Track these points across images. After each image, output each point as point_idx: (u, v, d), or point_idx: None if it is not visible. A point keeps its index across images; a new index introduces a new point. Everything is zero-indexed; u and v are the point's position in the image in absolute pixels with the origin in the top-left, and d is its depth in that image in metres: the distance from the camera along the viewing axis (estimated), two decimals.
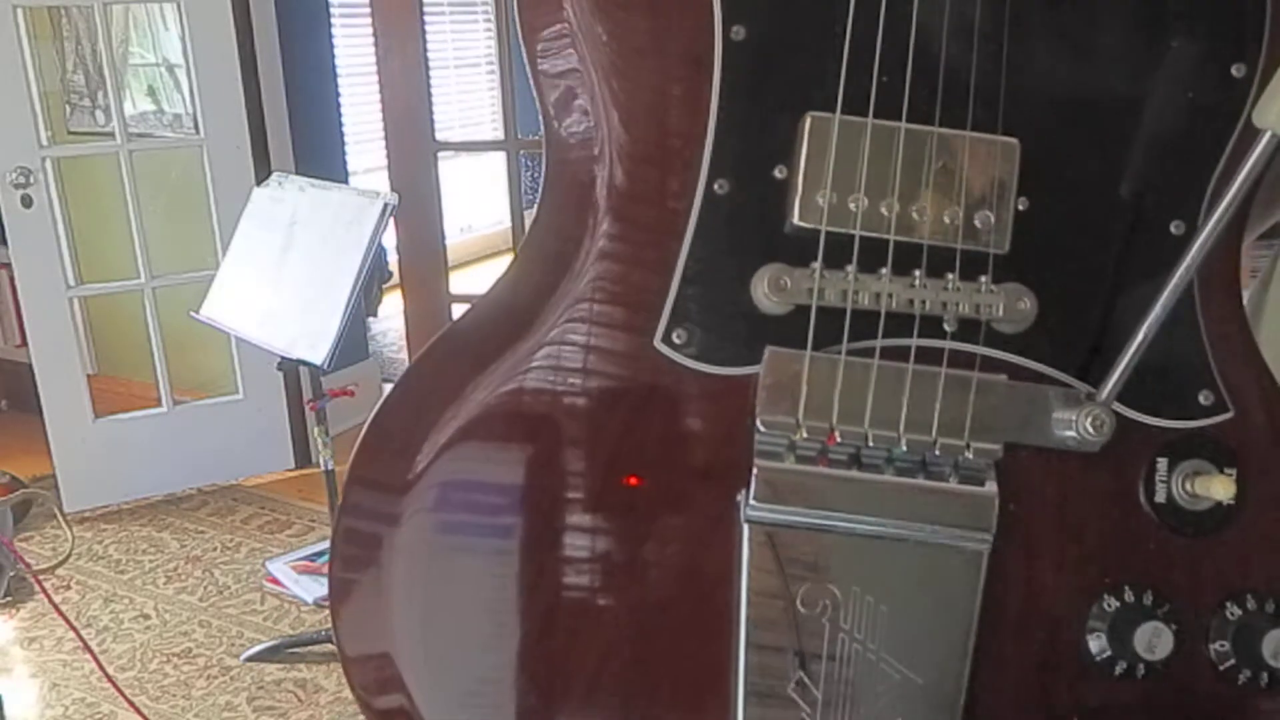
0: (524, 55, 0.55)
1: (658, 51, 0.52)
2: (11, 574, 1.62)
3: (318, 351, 2.10)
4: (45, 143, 3.08)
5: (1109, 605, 0.52)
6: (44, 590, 2.12)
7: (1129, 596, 0.52)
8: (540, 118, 0.56)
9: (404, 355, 3.76)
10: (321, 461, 2.36)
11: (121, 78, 3.32)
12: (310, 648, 2.48)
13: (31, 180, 2.96)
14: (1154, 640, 0.51)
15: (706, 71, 0.51)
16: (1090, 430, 0.49)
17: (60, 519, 2.97)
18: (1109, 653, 0.52)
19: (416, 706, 0.55)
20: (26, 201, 2.96)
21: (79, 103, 3.54)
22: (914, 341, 0.51)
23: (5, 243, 3.07)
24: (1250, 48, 0.51)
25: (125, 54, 3.38)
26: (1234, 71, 0.52)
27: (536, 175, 6.20)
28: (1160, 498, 0.50)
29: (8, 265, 3.16)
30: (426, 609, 0.56)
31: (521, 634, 0.55)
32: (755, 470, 0.51)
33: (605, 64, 0.51)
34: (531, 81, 0.55)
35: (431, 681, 0.56)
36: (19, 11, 2.91)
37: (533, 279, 0.56)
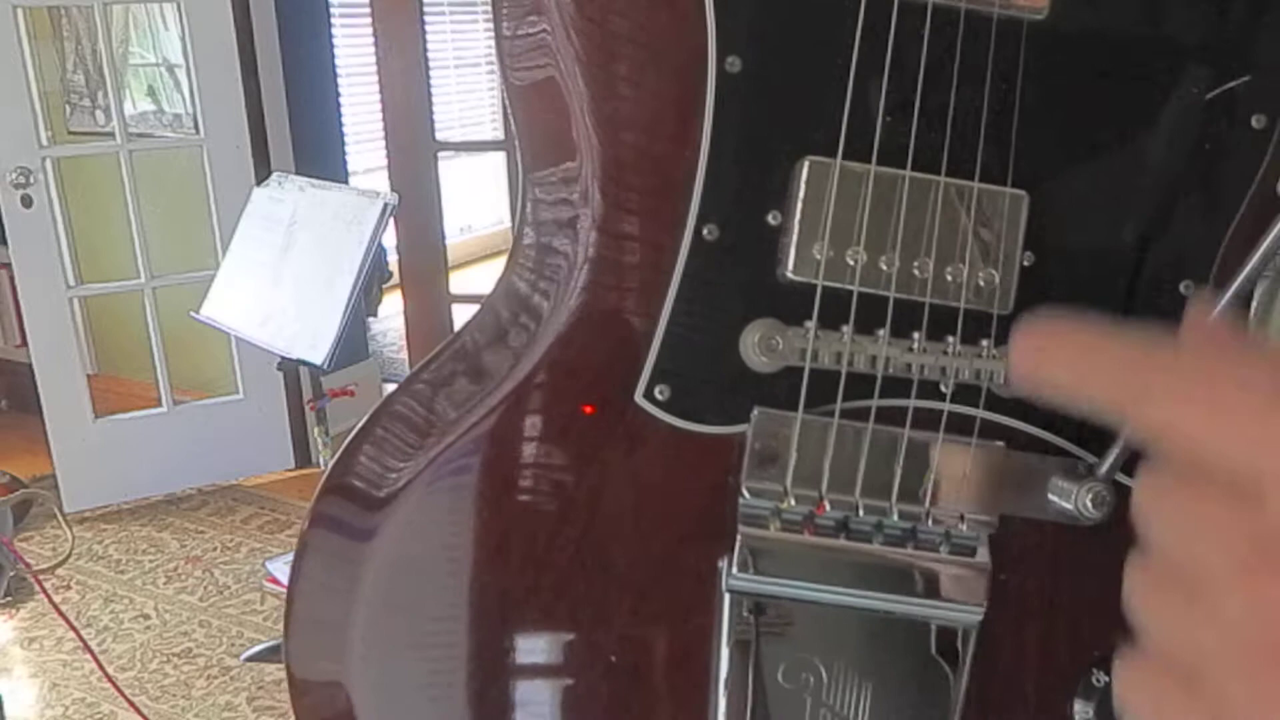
0: (501, 84, 0.51)
1: (646, 82, 0.48)
2: (11, 574, 1.61)
3: (318, 351, 2.10)
4: (45, 143, 3.08)
5: (1098, 680, 0.50)
6: (44, 590, 2.12)
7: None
8: (518, 151, 0.53)
9: (404, 355, 3.76)
10: (321, 461, 2.36)
11: (121, 78, 3.32)
12: None
13: (31, 180, 2.96)
14: None
15: (699, 105, 0.47)
16: (1090, 507, 0.46)
17: (60, 519, 2.97)
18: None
19: None
20: (26, 201, 2.96)
21: (79, 103, 3.54)
22: (910, 403, 0.48)
23: (5, 243, 3.07)
24: (1270, 98, 0.49)
25: (125, 54, 3.38)
26: (1254, 123, 0.49)
27: None
28: None
29: (8, 265, 3.16)
30: (386, 650, 0.53)
31: (481, 690, 0.53)
32: (739, 538, 0.48)
33: (589, 93, 0.47)
34: (510, 112, 0.52)
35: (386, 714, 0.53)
36: (19, 11, 2.91)
37: (508, 323, 0.53)
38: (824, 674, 0.50)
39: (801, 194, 0.48)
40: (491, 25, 0.52)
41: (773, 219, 0.48)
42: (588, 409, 0.50)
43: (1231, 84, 0.49)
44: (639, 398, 0.49)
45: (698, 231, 0.48)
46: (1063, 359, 0.29)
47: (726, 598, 0.49)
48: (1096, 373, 0.28)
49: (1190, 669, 0.27)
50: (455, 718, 0.53)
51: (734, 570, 0.48)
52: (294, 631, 0.54)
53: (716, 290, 0.49)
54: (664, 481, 0.50)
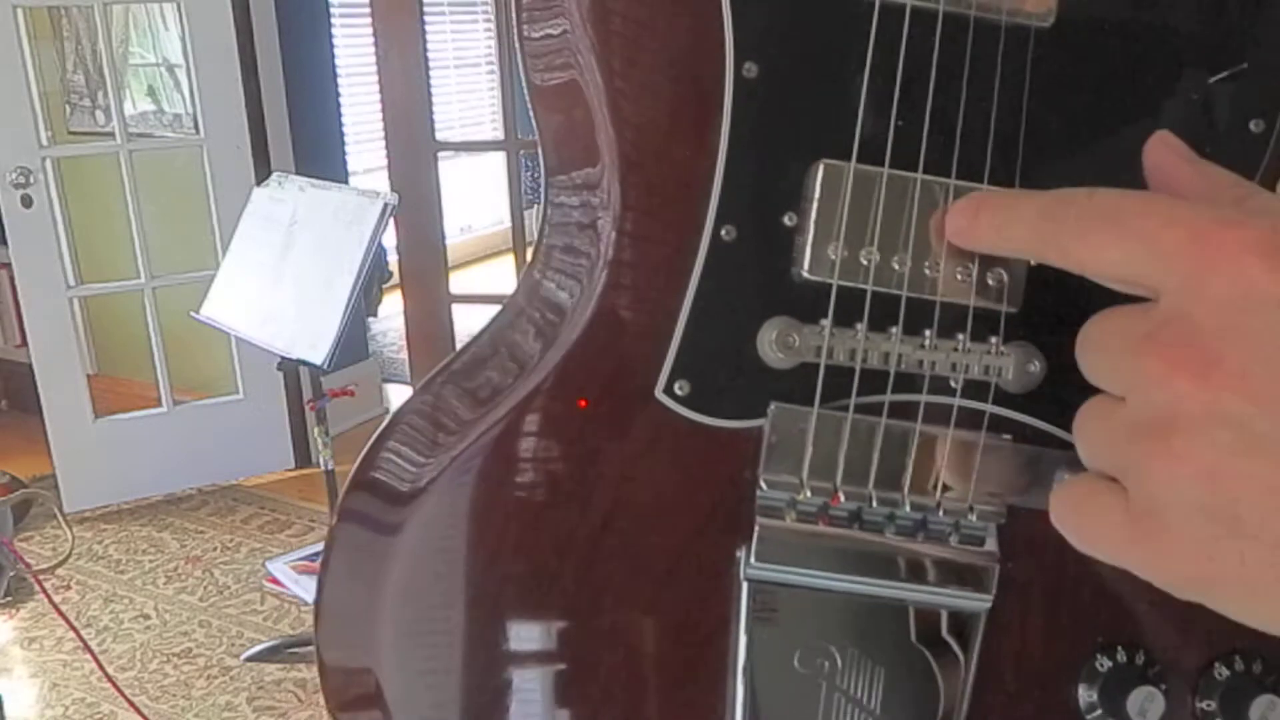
0: (524, 87, 0.53)
1: (665, 88, 0.50)
2: (11, 574, 1.62)
3: (318, 351, 2.10)
4: (45, 143, 3.08)
5: (1102, 665, 0.51)
6: (44, 590, 2.12)
7: (1121, 657, 0.51)
8: (539, 153, 0.54)
9: (404, 355, 3.76)
10: (321, 461, 2.36)
11: (121, 78, 3.32)
12: (310, 648, 2.47)
13: (31, 180, 2.96)
14: (1146, 705, 0.50)
15: (717, 109, 0.48)
16: None
17: (60, 519, 2.97)
18: (1100, 712, 0.52)
19: None
20: (26, 201, 2.96)
21: (79, 103, 3.54)
22: (922, 398, 0.50)
23: (5, 243, 3.07)
24: (1268, 103, 0.50)
25: (125, 54, 3.38)
26: (1252, 127, 0.50)
27: (537, 175, 6.19)
28: None
29: (8, 265, 3.17)
30: (416, 627, 0.54)
31: (506, 674, 0.54)
32: (757, 528, 0.50)
33: (609, 100, 0.49)
34: (531, 115, 0.53)
35: (414, 702, 0.55)
36: (19, 11, 2.91)
37: (530, 321, 0.55)
38: (838, 659, 0.52)
39: (817, 196, 0.49)
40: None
41: (789, 220, 0.50)
42: (608, 404, 0.51)
43: (1225, 74, 0.50)
44: (659, 393, 0.50)
45: (716, 233, 0.50)
46: (988, 215, 0.33)
47: (744, 586, 0.51)
48: (1018, 222, 0.33)
49: (1107, 469, 0.30)
50: (481, 702, 0.55)
51: (752, 559, 0.50)
52: (324, 621, 0.56)
53: (734, 289, 0.50)
54: (683, 474, 0.52)
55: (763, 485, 0.50)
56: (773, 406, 0.50)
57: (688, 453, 0.51)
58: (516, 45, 0.53)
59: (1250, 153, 0.50)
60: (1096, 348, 0.31)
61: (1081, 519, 0.31)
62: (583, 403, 0.52)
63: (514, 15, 0.52)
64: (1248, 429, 0.27)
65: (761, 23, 0.48)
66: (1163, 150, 0.36)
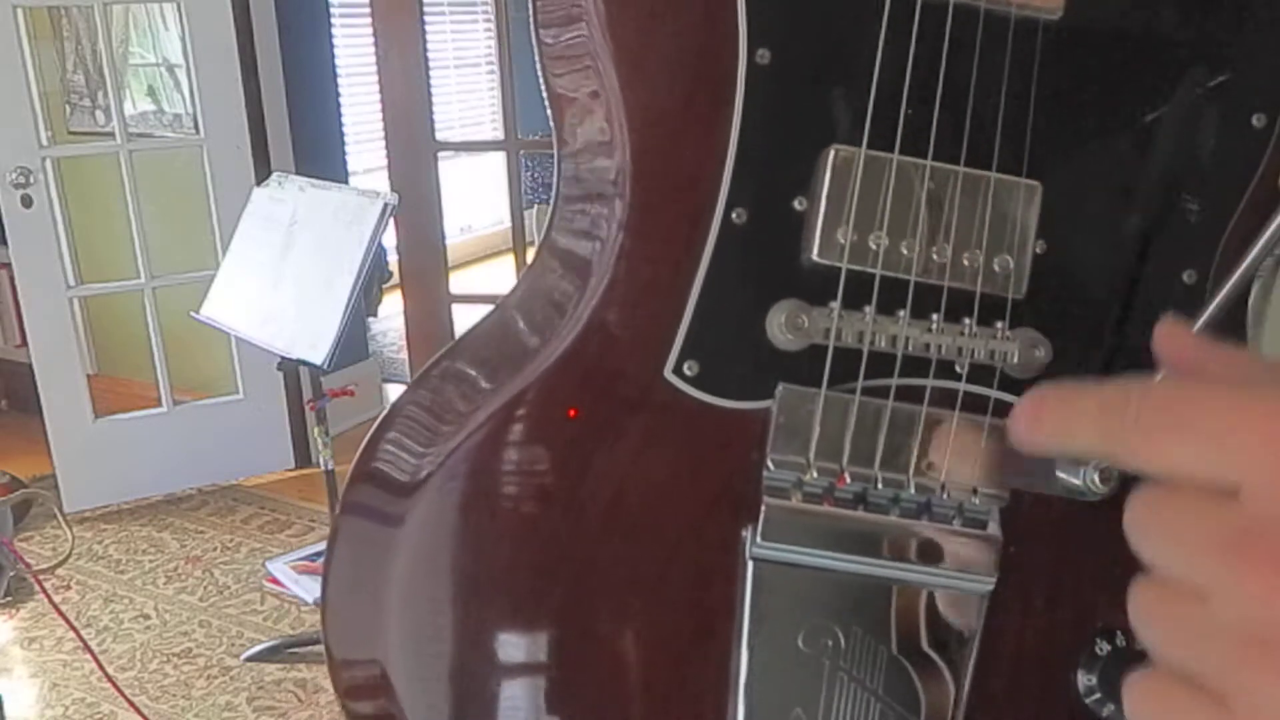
0: (539, 72, 0.53)
1: (679, 74, 0.51)
2: (11, 574, 1.62)
3: (318, 351, 2.10)
4: (45, 143, 3.08)
5: (1101, 649, 0.52)
6: (44, 590, 2.12)
7: (1121, 641, 0.52)
8: (554, 137, 0.55)
9: (404, 355, 3.76)
10: (321, 461, 2.36)
11: (121, 78, 3.32)
12: (310, 648, 2.47)
13: (31, 180, 2.96)
14: None
15: (729, 95, 0.49)
16: (1097, 483, 0.48)
17: (60, 519, 2.97)
18: (1099, 695, 0.52)
19: (404, 713, 0.55)
20: (26, 201, 2.96)
21: (79, 103, 3.54)
22: (928, 382, 0.50)
23: (5, 243, 3.07)
24: (1271, 98, 0.51)
25: (125, 54, 3.38)
26: (1254, 122, 0.51)
27: (537, 175, 6.19)
28: None
29: (8, 265, 3.17)
30: (421, 616, 0.55)
31: (512, 655, 0.55)
32: (763, 508, 0.50)
33: (623, 83, 0.50)
34: (547, 100, 0.54)
35: (421, 690, 0.55)
36: (19, 11, 2.91)
37: (543, 300, 0.55)
38: (842, 639, 0.52)
39: (827, 181, 0.50)
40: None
41: (799, 204, 0.51)
42: (616, 386, 0.52)
43: (1227, 73, 0.51)
44: (668, 373, 0.51)
45: (727, 216, 0.51)
46: (1051, 417, 0.32)
47: (750, 565, 0.51)
48: (1082, 423, 0.31)
49: (1196, 674, 0.28)
50: (490, 689, 0.55)
51: (758, 539, 0.50)
52: (330, 613, 0.56)
53: (744, 272, 0.51)
54: (690, 454, 0.52)
55: (770, 465, 0.51)
56: (781, 388, 0.51)
57: (695, 433, 0.52)
58: (531, 25, 0.53)
59: (1252, 147, 0.51)
60: (1168, 538, 0.29)
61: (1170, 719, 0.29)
62: (591, 384, 0.53)
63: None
64: None
65: (774, 11, 0.49)
66: (1174, 342, 0.35)
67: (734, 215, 0.50)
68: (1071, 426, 0.31)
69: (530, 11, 0.53)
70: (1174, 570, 0.29)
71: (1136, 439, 0.29)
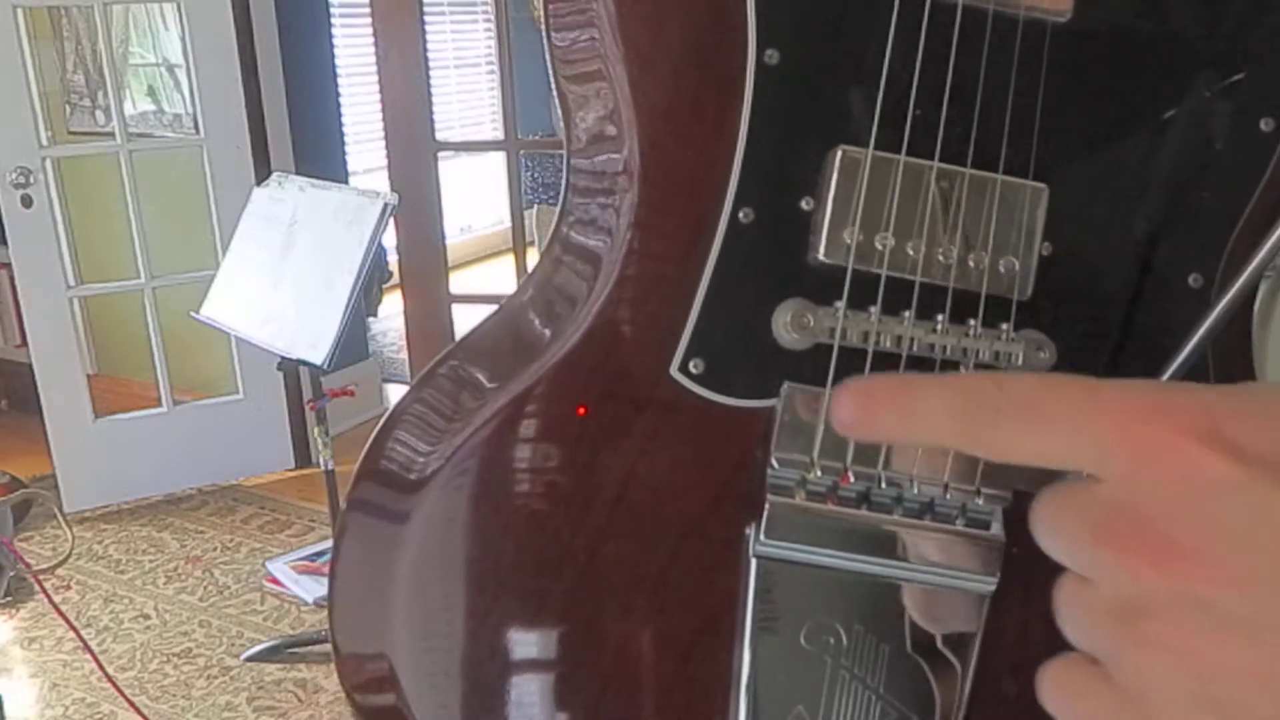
0: (550, 73, 0.54)
1: (688, 73, 0.51)
2: (11, 574, 1.62)
3: (318, 351, 2.10)
4: (45, 143, 3.08)
5: None
6: (44, 590, 2.12)
7: None
8: (564, 136, 0.55)
9: (404, 355, 3.76)
10: (321, 461, 2.36)
11: (121, 78, 3.32)
12: (310, 648, 2.48)
13: (31, 180, 2.96)
14: None
15: (737, 95, 0.50)
16: None
17: (60, 519, 2.97)
18: None
19: (410, 708, 0.55)
20: (26, 201, 2.96)
21: (79, 103, 3.54)
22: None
23: (5, 243, 3.07)
24: (1279, 102, 0.51)
25: (125, 54, 3.38)
26: (1262, 126, 0.51)
27: (536, 175, 6.17)
28: None
29: (8, 265, 3.16)
30: (427, 612, 0.55)
31: (517, 650, 0.55)
32: (767, 506, 0.51)
33: (633, 84, 0.50)
34: (557, 100, 0.54)
35: (428, 685, 0.55)
36: (19, 11, 2.91)
37: (550, 298, 0.56)
38: (844, 637, 0.52)
39: (834, 181, 0.50)
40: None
41: (806, 204, 0.51)
42: (622, 383, 0.52)
43: (1237, 76, 0.51)
44: (674, 371, 0.52)
45: (734, 215, 0.51)
46: (890, 405, 0.31)
47: (753, 562, 0.51)
48: (931, 412, 0.31)
49: (1091, 654, 0.30)
50: (496, 684, 0.56)
51: (761, 536, 0.51)
52: (338, 609, 0.57)
53: (751, 270, 0.51)
54: (695, 452, 0.53)
55: (774, 464, 0.51)
56: (786, 386, 0.51)
57: (700, 430, 0.52)
58: (543, 29, 0.54)
59: (1259, 151, 0.51)
60: (1050, 533, 0.30)
61: (1071, 703, 0.31)
62: (596, 381, 0.53)
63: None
64: (1218, 610, 0.27)
65: (783, 12, 0.49)
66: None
67: (741, 215, 0.51)
68: (918, 417, 0.31)
69: (542, 16, 0.53)
70: (1064, 561, 0.30)
71: (995, 430, 0.30)
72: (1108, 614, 0.29)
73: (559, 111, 0.55)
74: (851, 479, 0.51)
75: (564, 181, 0.56)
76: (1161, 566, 0.27)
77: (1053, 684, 0.31)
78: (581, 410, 0.53)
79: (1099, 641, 0.30)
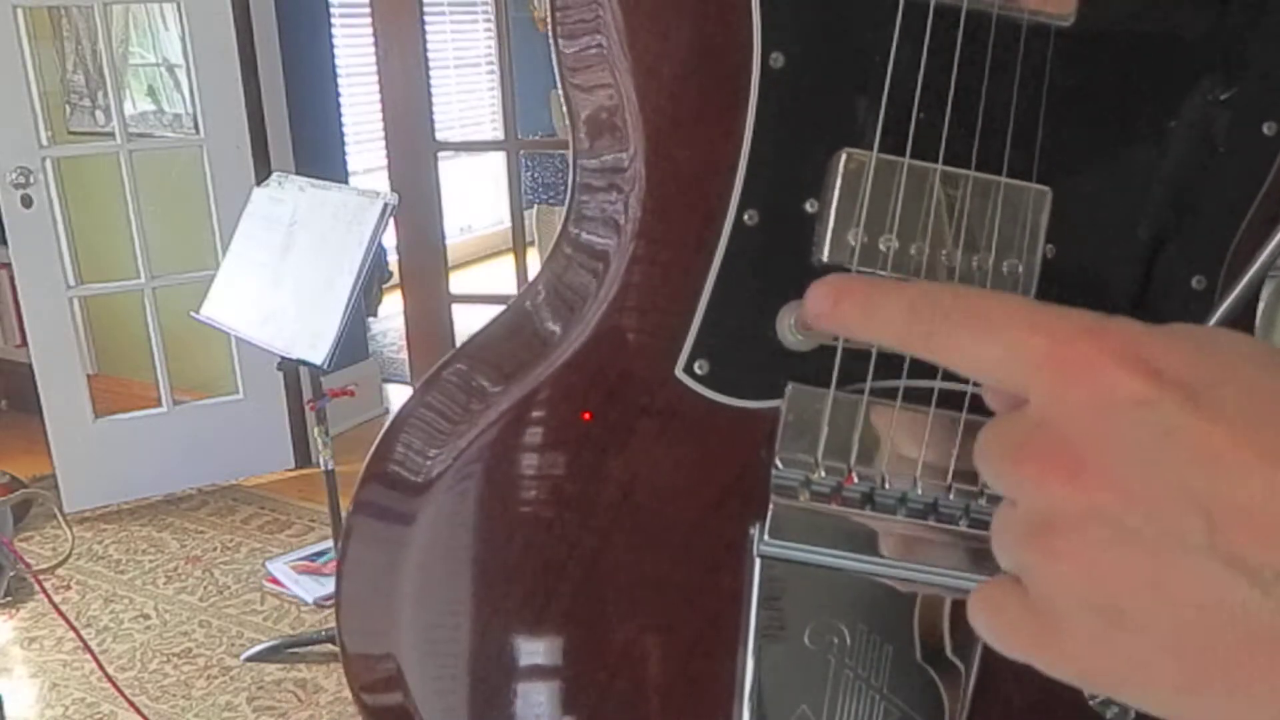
0: (556, 78, 0.54)
1: (693, 76, 0.51)
2: (11, 574, 1.62)
3: (318, 351, 2.10)
4: (45, 143, 3.08)
5: None
6: (44, 590, 2.12)
7: None
8: (569, 139, 0.56)
9: (404, 355, 3.76)
10: (321, 461, 2.36)
11: (121, 78, 3.32)
12: (310, 648, 2.48)
13: (31, 180, 2.96)
14: None
15: (743, 98, 0.50)
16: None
17: (60, 519, 2.97)
18: (1100, 697, 0.53)
19: (417, 708, 0.55)
20: (26, 201, 2.96)
21: (79, 103, 3.54)
22: (936, 384, 0.51)
23: (5, 243, 3.07)
24: None
25: (125, 54, 3.38)
26: (1265, 129, 0.51)
27: (536, 175, 6.17)
28: None
29: (8, 265, 3.17)
30: (433, 613, 0.56)
31: (523, 651, 0.55)
32: (771, 506, 0.51)
33: (639, 88, 0.51)
34: (564, 103, 0.55)
35: (435, 685, 0.56)
36: (19, 11, 2.91)
37: (555, 300, 0.56)
38: (848, 637, 0.53)
39: (838, 184, 0.50)
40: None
41: (810, 206, 0.51)
42: (626, 384, 0.53)
43: (1238, 85, 0.51)
44: (679, 372, 0.52)
45: (739, 217, 0.51)
46: (851, 305, 0.34)
47: (757, 563, 0.52)
48: (889, 310, 0.33)
49: (1010, 569, 0.31)
50: (501, 684, 0.56)
51: (765, 537, 0.51)
52: (345, 609, 0.57)
53: (755, 272, 0.52)
54: (700, 452, 0.53)
55: (778, 464, 0.51)
56: (790, 387, 0.51)
57: (705, 431, 0.53)
58: (550, 35, 0.54)
59: (1262, 155, 0.51)
60: (982, 460, 0.32)
61: (990, 617, 0.32)
62: (601, 384, 0.53)
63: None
64: (1119, 524, 0.28)
65: (789, 16, 0.50)
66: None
67: (746, 217, 0.51)
68: (878, 313, 0.33)
69: (549, 22, 0.54)
70: (996, 487, 0.32)
71: (940, 335, 0.31)
72: (1024, 530, 0.30)
73: (564, 113, 0.55)
74: (855, 480, 0.51)
75: (570, 182, 0.56)
76: (1072, 483, 0.28)
77: (977, 602, 0.32)
78: (587, 415, 0.53)
79: (1017, 557, 0.31)
